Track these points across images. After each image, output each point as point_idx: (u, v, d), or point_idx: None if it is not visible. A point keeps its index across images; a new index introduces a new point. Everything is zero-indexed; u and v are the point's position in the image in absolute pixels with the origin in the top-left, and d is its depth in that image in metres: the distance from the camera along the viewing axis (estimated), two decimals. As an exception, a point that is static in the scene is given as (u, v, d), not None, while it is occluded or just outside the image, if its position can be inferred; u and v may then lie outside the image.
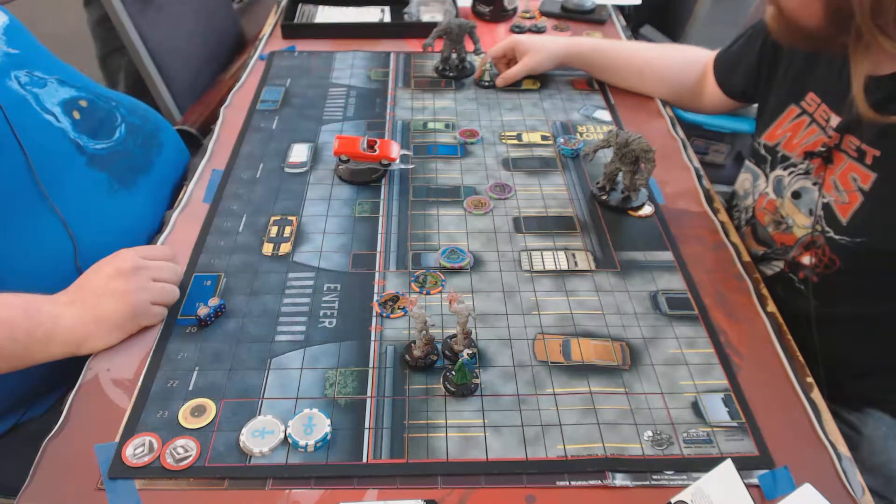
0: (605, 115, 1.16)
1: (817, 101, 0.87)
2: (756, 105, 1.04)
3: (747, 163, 1.00)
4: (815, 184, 0.85)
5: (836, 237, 0.81)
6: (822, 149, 0.82)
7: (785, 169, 0.90)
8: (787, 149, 0.90)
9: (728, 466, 0.60)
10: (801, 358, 0.76)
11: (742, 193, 1.00)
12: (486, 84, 1.22)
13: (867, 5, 0.66)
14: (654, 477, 0.63)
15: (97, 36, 1.53)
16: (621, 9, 1.58)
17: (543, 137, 1.10)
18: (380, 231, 0.90)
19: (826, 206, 0.82)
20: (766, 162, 0.94)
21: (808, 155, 0.85)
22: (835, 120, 0.83)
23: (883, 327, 0.84)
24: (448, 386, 0.70)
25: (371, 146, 0.98)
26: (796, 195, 0.88)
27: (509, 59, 1.24)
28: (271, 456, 0.64)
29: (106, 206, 0.88)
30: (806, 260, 0.86)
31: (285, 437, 0.65)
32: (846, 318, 0.84)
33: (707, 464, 0.62)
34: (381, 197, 0.96)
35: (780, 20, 0.79)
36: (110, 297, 0.72)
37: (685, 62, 1.15)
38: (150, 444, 0.64)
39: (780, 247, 0.91)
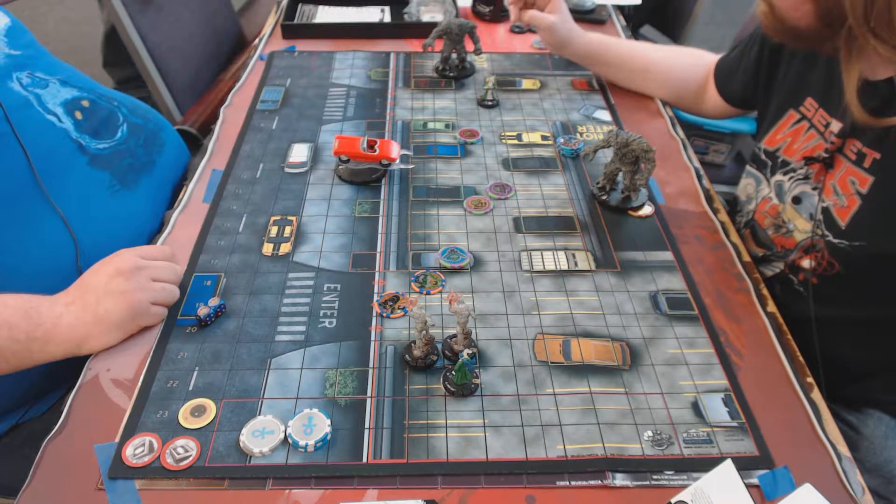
0: (605, 115, 1.16)
1: (815, 106, 0.86)
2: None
3: (749, 168, 0.99)
4: (814, 188, 0.85)
5: (836, 241, 0.81)
6: (825, 154, 0.82)
7: (785, 174, 0.90)
8: (786, 154, 0.90)
9: (728, 466, 0.60)
10: (801, 358, 0.76)
11: (745, 199, 1.00)
12: (490, 104, 1.17)
13: (860, 9, 0.65)
14: (654, 477, 0.63)
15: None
16: (621, 9, 1.58)
17: (543, 137, 1.10)
18: (380, 231, 0.90)
19: (825, 211, 0.82)
20: (766, 167, 0.94)
21: (808, 160, 0.85)
22: (835, 125, 0.82)
23: (883, 330, 0.83)
24: (448, 386, 0.70)
25: (371, 146, 0.98)
26: (797, 200, 0.87)
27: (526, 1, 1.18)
28: (271, 456, 0.64)
29: (107, 205, 0.88)
30: (805, 263, 0.86)
31: (285, 437, 0.65)
32: (845, 321, 0.83)
33: (707, 464, 0.62)
34: (381, 197, 0.96)
35: (771, 17, 0.78)
36: (110, 297, 0.72)
37: (689, 66, 1.14)
38: (150, 444, 0.64)
39: (781, 250, 0.91)
